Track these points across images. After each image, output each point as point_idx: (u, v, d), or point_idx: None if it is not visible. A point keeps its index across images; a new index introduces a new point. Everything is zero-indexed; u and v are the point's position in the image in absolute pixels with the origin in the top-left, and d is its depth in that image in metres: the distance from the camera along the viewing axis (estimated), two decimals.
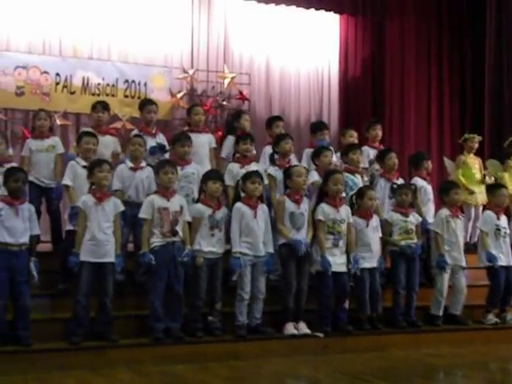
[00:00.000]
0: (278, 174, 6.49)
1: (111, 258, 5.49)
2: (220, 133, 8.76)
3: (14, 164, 5.86)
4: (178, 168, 5.95)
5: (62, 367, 5.14)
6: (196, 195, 6.14)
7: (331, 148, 6.97)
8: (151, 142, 6.62)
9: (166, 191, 5.74)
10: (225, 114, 9.54)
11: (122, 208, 5.68)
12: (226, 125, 7.64)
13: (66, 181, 5.97)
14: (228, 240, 5.90)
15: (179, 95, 9.28)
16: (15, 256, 5.23)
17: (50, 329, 5.50)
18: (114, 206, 5.61)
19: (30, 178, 6.11)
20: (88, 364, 5.24)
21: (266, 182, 6.42)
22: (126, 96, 8.99)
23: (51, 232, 6.59)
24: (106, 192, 5.61)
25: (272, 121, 7.41)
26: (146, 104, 6.93)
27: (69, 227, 5.85)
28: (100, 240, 5.45)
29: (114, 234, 5.56)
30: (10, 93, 8.43)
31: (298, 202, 6.05)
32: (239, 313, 5.83)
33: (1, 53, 8.48)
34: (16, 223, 5.25)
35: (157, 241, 5.62)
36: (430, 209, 7.13)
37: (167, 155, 6.62)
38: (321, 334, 6.01)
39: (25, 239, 5.29)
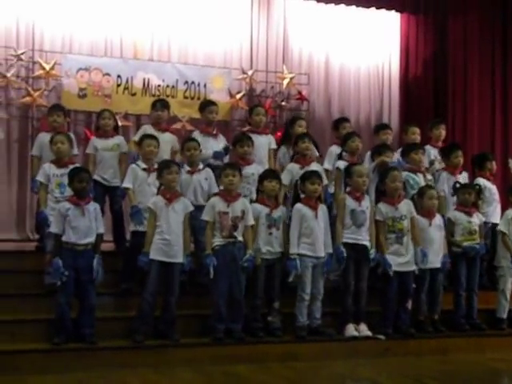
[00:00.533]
0: None
1: (180, 259, 5.56)
2: (279, 133, 8.80)
3: (77, 165, 5.97)
4: None
5: (124, 365, 5.25)
6: (254, 196, 6.18)
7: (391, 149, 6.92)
8: (213, 143, 6.71)
9: (227, 194, 5.78)
10: (283, 115, 9.57)
11: (191, 208, 5.75)
12: (284, 131, 7.63)
13: (126, 183, 6.07)
14: (287, 240, 5.93)
15: (238, 96, 9.35)
16: (81, 255, 5.36)
17: (113, 327, 5.62)
18: (183, 206, 5.69)
19: (95, 177, 6.26)
20: (150, 362, 5.34)
21: (326, 182, 6.44)
22: (185, 97, 9.09)
23: (113, 231, 6.74)
24: (175, 193, 5.69)
25: (339, 122, 7.42)
26: (208, 105, 7.01)
27: (133, 228, 5.96)
28: (170, 240, 5.53)
29: (183, 235, 5.64)
30: (73, 94, 8.62)
31: (358, 200, 6.05)
32: (299, 314, 5.86)
33: (64, 55, 8.69)
34: (82, 223, 5.39)
35: (218, 241, 5.69)
36: (495, 209, 7.04)
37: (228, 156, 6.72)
38: (382, 337, 5.98)
39: (90, 239, 5.42)
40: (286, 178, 6.42)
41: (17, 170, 8.55)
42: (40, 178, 5.99)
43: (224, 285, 5.62)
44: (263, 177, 6.02)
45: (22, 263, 6.26)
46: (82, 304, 5.41)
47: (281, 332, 5.84)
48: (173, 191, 5.66)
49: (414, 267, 6.12)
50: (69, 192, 5.63)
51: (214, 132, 6.91)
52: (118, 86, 8.83)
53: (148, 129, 6.75)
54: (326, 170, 6.73)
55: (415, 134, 7.33)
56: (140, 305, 5.53)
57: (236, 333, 5.67)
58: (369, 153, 6.95)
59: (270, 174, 6.06)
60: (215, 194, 6.04)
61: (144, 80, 8.93)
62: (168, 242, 5.52)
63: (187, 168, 6.24)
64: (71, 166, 5.77)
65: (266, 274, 5.87)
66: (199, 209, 5.93)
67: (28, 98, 8.46)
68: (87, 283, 5.37)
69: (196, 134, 6.78)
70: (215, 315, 5.64)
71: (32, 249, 6.79)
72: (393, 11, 10.33)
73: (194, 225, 5.99)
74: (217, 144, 6.77)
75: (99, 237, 5.52)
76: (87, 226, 5.40)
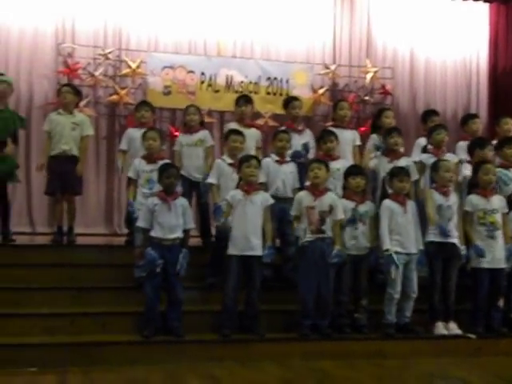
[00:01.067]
0: (430, 160, 6.35)
1: (258, 252, 5.58)
2: (362, 129, 8.72)
3: (167, 160, 6.06)
4: None
5: (211, 358, 5.32)
6: (339, 191, 6.12)
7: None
8: (298, 139, 6.70)
9: (314, 189, 5.76)
10: (367, 109, 9.47)
11: (271, 201, 5.76)
12: (371, 123, 7.57)
13: (211, 179, 6.14)
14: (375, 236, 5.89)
15: (321, 91, 9.31)
16: (168, 249, 5.45)
17: (200, 321, 5.71)
18: (262, 199, 5.71)
19: (182, 173, 6.35)
20: (236, 356, 5.40)
21: (417, 176, 6.35)
22: (268, 93, 9.14)
23: (200, 226, 6.83)
24: (254, 186, 5.71)
25: (427, 115, 7.32)
26: (291, 100, 7.03)
27: (218, 222, 5.97)
28: (247, 233, 5.55)
29: (264, 227, 5.64)
30: (158, 92, 8.80)
31: (446, 194, 5.94)
32: (388, 312, 5.79)
33: (150, 54, 8.87)
34: (169, 219, 5.47)
35: (307, 236, 5.66)
36: None
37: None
38: (473, 336, 5.87)
39: (177, 234, 5.49)
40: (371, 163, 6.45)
41: (105, 167, 8.81)
42: (130, 173, 6.14)
43: (312, 281, 5.60)
44: (348, 173, 6.00)
45: (111, 257, 6.43)
46: (169, 298, 5.51)
47: (367, 329, 5.81)
48: (251, 184, 5.68)
49: (505, 264, 5.95)
50: (157, 188, 5.72)
51: (300, 128, 6.89)
52: (202, 83, 8.95)
53: (233, 126, 6.79)
54: (415, 162, 6.61)
55: (508, 124, 7.12)
56: (223, 300, 5.59)
57: (322, 329, 5.65)
58: (460, 144, 6.80)
59: (354, 170, 6.01)
60: (300, 189, 6.05)
61: (227, 77, 9.03)
62: (245, 235, 5.54)
63: (275, 158, 6.27)
64: (161, 162, 5.86)
65: (352, 270, 5.83)
66: (287, 201, 5.97)
67: (115, 96, 8.69)
68: (175, 277, 5.46)
69: None
70: (302, 311, 5.64)
71: (120, 243, 6.97)
72: (480, 2, 10.05)
73: (282, 218, 6.02)
74: (302, 140, 6.75)
75: (187, 232, 5.60)
76: (173, 221, 5.48)
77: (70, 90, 6.87)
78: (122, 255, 6.32)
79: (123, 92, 8.67)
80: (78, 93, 7.01)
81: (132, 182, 6.12)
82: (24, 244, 6.85)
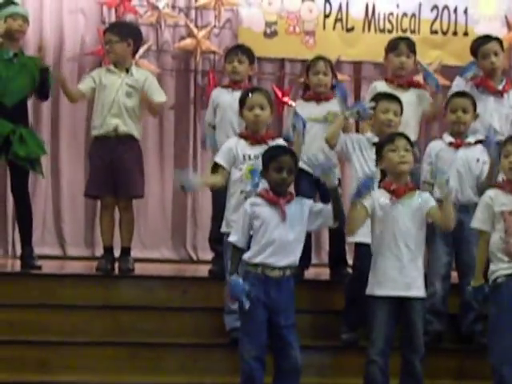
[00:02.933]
0: None
1: (420, 292, 5.51)
2: None
3: (279, 141, 6.02)
4: None
5: None
6: None
7: None
8: (496, 106, 6.63)
9: (509, 183, 5.60)
10: None
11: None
12: None
13: None
14: None
15: None
16: (276, 285, 5.40)
17: None
18: (422, 203, 5.55)
19: (301, 164, 6.17)
20: None
21: None
22: (433, 32, 9.16)
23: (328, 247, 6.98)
24: (408, 184, 5.62)
25: None
26: (484, 42, 6.85)
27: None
28: (402, 259, 5.45)
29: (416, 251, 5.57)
30: (257, 33, 8.93)
31: None
32: None
33: None
34: (281, 234, 5.44)
35: (501, 268, 5.50)
36: None
37: None
38: None
39: (292, 259, 5.46)
40: None
41: (172, 152, 9.00)
42: (219, 158, 6.06)
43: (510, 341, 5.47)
44: None
45: (185, 296, 6.54)
46: (279, 363, 5.46)
47: None
48: (402, 181, 5.58)
49: None
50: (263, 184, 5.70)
51: (502, 87, 6.75)
52: (326, 16, 9.03)
53: (381, 86, 6.74)
54: None
55: None
56: (367, 369, 5.53)
57: None
58: None
59: None
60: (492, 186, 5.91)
61: (367, 7, 9.09)
62: (399, 264, 5.47)
63: (448, 139, 6.28)
64: (271, 143, 5.89)
65: None
66: (467, 210, 5.96)
67: (189, 41, 8.79)
68: (289, 331, 5.44)
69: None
70: None
71: (200, 274, 7.28)
72: None
73: (458, 238, 6.07)
74: (503, 108, 6.69)
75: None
76: (288, 238, 5.48)
77: (115, 36, 6.90)
78: (205, 294, 6.44)
79: (202, 34, 8.75)
80: (131, 37, 7.03)
81: (221, 172, 6.11)
82: (50, 273, 6.98)
